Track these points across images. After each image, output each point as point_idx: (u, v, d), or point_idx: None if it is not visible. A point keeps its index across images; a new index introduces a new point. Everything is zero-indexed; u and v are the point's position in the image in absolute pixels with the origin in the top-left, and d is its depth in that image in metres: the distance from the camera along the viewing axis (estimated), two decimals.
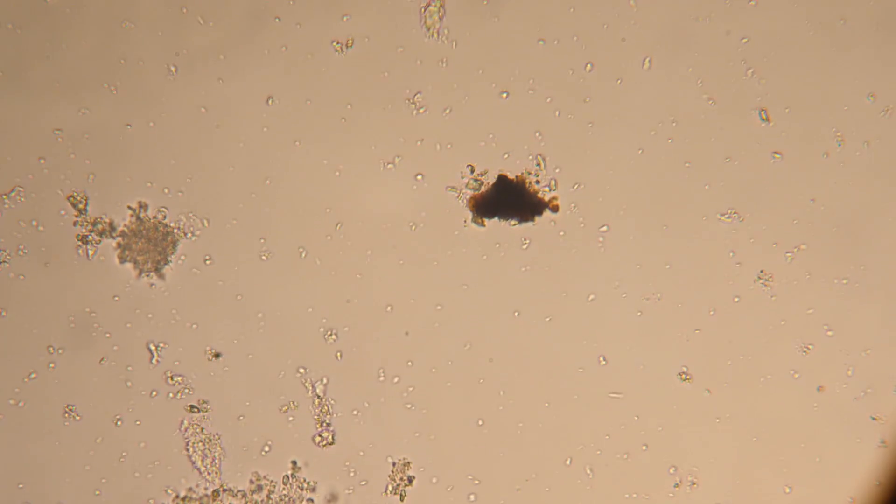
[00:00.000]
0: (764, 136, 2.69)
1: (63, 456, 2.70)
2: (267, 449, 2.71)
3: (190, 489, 2.70)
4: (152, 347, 2.71)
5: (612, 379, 2.71)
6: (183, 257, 2.72)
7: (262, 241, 2.71)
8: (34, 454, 2.69)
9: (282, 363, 2.72)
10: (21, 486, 2.68)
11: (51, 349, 2.69)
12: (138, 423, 2.70)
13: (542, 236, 2.71)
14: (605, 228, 2.70)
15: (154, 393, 2.70)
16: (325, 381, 2.71)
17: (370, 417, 2.72)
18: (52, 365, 2.70)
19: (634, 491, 2.69)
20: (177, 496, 2.70)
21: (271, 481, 2.71)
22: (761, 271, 2.69)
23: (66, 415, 2.69)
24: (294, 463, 2.71)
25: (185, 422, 2.71)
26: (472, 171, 2.70)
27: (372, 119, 2.71)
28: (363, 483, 2.70)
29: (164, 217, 2.71)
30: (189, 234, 2.72)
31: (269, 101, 2.70)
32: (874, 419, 2.67)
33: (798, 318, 2.69)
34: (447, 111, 2.70)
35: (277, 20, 2.69)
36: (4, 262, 2.69)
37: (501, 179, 2.70)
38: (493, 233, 2.71)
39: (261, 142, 2.71)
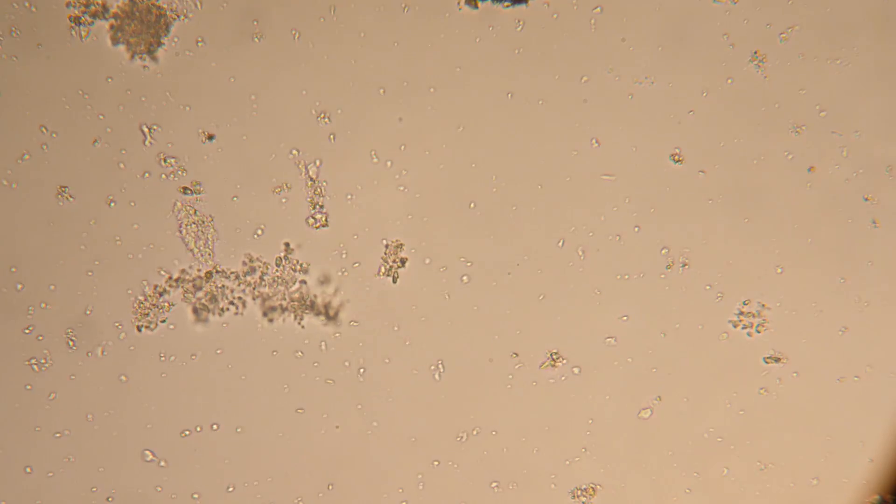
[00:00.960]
0: None
1: (57, 238, 2.70)
2: (260, 231, 2.71)
3: (183, 271, 2.71)
4: (145, 129, 2.71)
5: (604, 161, 2.71)
6: (176, 39, 2.71)
7: (255, 23, 2.71)
8: (27, 236, 2.70)
9: (275, 145, 2.72)
10: (14, 269, 2.69)
11: (44, 129, 2.69)
12: (132, 204, 2.70)
13: (536, 19, 2.71)
14: (598, 10, 2.70)
15: (147, 175, 2.71)
16: (318, 163, 2.72)
17: (363, 200, 2.72)
18: (45, 146, 2.70)
19: (626, 272, 2.70)
20: (170, 277, 2.71)
21: (264, 263, 2.71)
22: (755, 52, 2.69)
23: (60, 196, 2.70)
24: (287, 245, 2.71)
25: (178, 204, 2.71)
26: None
27: None
28: (356, 264, 2.71)
29: None
30: (182, 16, 2.71)
31: None
32: (866, 199, 2.67)
33: (791, 99, 2.69)
34: None
35: None
36: None
37: None
38: (487, 15, 2.71)
39: None
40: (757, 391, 2.65)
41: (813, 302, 2.65)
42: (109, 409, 2.66)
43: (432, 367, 2.68)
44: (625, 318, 2.67)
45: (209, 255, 2.71)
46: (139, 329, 2.68)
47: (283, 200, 2.71)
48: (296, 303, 2.71)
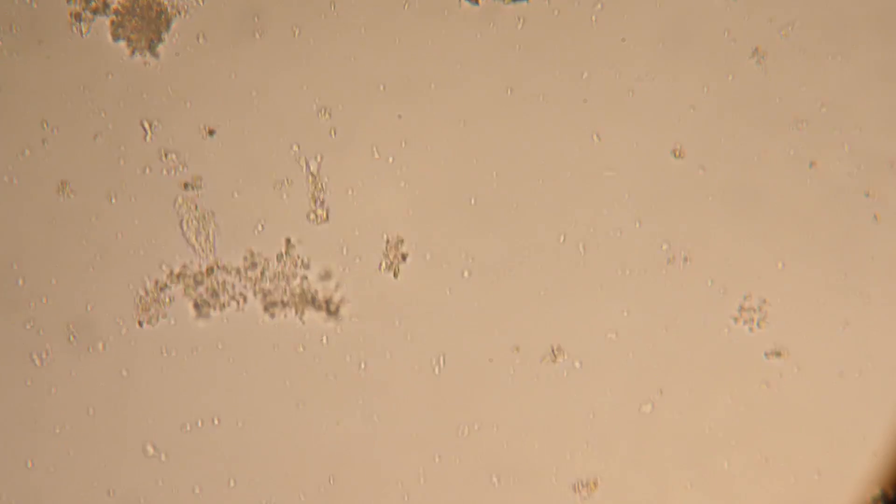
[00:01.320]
0: None
1: (57, 233, 2.70)
2: (261, 227, 2.71)
3: (184, 266, 2.71)
4: (146, 125, 2.71)
5: (605, 157, 2.71)
6: (176, 36, 2.71)
7: (256, 19, 2.71)
8: (28, 231, 2.70)
9: (276, 141, 2.72)
10: (15, 265, 2.69)
11: (45, 125, 2.69)
12: (133, 200, 2.70)
13: (536, 15, 2.71)
14: (599, 7, 2.70)
15: (148, 170, 2.71)
16: (319, 158, 2.72)
17: (364, 195, 2.72)
18: (45, 142, 2.70)
19: (627, 267, 2.69)
20: (171, 273, 2.70)
21: (265, 258, 2.71)
22: (756, 48, 2.69)
23: (60, 191, 2.70)
24: (288, 240, 2.71)
25: (179, 199, 2.71)
26: None
27: None
28: (357, 260, 2.71)
29: None
30: (182, 12, 2.71)
31: None
32: (868, 195, 2.67)
33: (792, 94, 2.69)
34: None
35: None
36: None
37: None
38: (487, 12, 2.71)
39: None
40: (758, 386, 2.65)
41: (814, 297, 2.65)
42: (110, 403, 2.66)
43: (433, 362, 2.68)
44: (626, 312, 2.67)
45: (210, 250, 2.71)
46: (140, 324, 2.68)
47: (284, 196, 2.71)
48: (297, 298, 2.70)
